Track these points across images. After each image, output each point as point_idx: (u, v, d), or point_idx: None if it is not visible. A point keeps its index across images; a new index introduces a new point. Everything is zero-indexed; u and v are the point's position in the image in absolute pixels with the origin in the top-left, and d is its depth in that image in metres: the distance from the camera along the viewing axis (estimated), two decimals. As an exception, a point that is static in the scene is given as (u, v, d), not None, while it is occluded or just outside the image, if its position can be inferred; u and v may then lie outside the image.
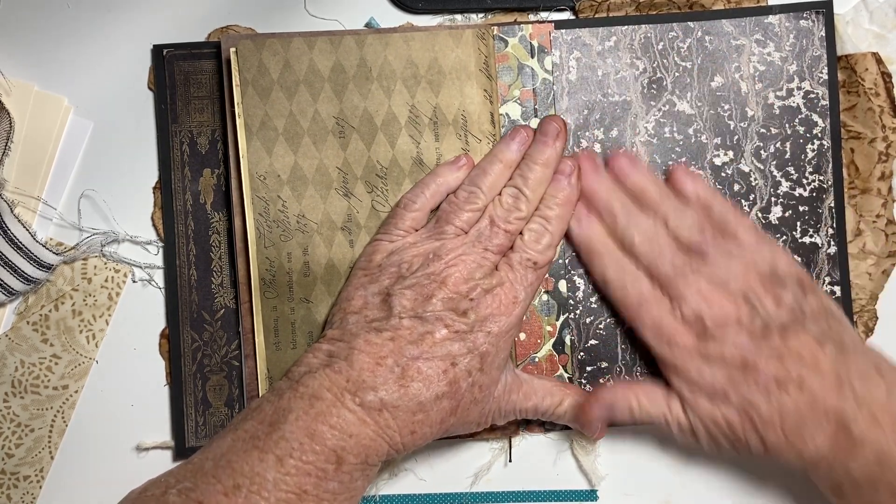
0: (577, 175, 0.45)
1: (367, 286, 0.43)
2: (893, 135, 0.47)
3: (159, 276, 0.48)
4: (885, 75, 0.47)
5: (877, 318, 0.47)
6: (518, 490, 0.48)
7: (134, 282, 0.49)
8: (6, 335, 0.48)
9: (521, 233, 0.44)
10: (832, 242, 0.47)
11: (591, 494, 0.48)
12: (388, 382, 0.40)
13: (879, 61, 0.47)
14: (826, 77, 0.47)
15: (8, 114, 0.48)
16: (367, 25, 0.49)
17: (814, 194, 0.47)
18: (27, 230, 0.47)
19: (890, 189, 0.46)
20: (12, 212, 0.47)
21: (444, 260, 0.42)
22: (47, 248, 0.47)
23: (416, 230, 0.45)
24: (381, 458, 0.41)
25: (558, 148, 0.45)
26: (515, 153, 0.45)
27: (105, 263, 0.48)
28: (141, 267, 0.48)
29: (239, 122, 0.46)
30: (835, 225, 0.47)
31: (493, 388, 0.43)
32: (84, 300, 0.48)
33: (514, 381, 0.44)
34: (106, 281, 0.48)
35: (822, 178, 0.47)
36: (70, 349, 0.48)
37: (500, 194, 0.44)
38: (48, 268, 0.47)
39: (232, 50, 0.46)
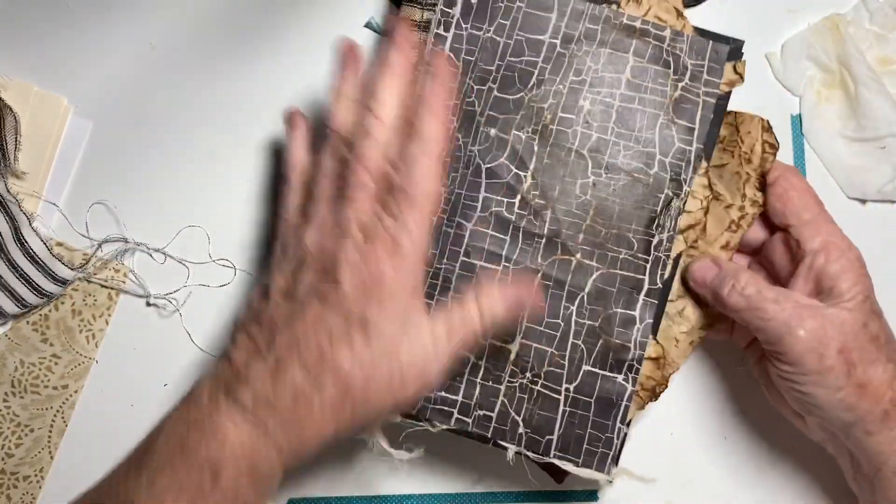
0: None
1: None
2: (751, 207, 0.44)
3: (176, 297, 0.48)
4: (768, 145, 0.44)
5: (667, 386, 0.44)
6: (518, 491, 0.48)
7: (148, 305, 0.48)
8: (6, 335, 0.48)
9: None
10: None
11: (592, 495, 0.48)
12: (260, 375, 0.35)
13: (766, 129, 0.44)
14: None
15: (11, 109, 0.47)
16: (366, 26, 0.49)
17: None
18: (45, 244, 0.47)
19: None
20: (31, 224, 0.47)
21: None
22: (63, 264, 0.47)
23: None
24: (273, 467, 0.35)
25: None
26: None
27: (105, 263, 0.48)
28: (151, 299, 0.48)
29: None
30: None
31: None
32: (84, 300, 0.48)
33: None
34: (106, 280, 0.48)
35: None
36: (70, 349, 0.48)
37: None
38: (63, 282, 0.47)
39: None
